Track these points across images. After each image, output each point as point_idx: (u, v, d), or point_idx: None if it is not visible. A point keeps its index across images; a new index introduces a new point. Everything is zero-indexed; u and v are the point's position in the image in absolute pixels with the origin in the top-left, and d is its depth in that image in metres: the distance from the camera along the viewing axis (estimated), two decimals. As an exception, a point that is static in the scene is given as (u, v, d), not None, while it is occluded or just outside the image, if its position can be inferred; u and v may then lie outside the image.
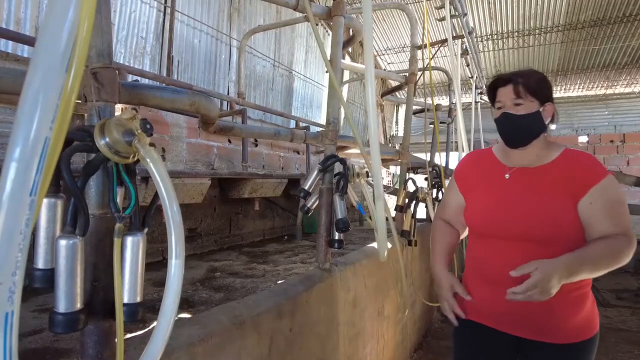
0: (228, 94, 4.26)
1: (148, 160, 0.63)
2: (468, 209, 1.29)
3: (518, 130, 1.16)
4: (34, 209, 0.39)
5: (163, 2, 3.55)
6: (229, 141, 3.86)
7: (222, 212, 3.86)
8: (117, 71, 0.80)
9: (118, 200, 0.69)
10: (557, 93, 10.82)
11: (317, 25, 2.90)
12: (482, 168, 1.29)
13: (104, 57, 0.80)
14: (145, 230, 0.71)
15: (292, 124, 5.37)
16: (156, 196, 0.67)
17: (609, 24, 6.93)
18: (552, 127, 1.24)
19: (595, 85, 10.30)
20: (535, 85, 1.15)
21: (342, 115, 4.22)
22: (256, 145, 4.22)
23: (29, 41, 2.29)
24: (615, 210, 1.08)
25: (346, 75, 5.68)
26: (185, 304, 2.09)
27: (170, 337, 1.06)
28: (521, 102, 1.14)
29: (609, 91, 10.23)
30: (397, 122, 9.72)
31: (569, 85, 10.43)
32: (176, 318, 1.67)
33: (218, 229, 3.82)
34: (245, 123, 3.64)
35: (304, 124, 4.69)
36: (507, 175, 1.21)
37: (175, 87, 3.47)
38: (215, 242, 3.74)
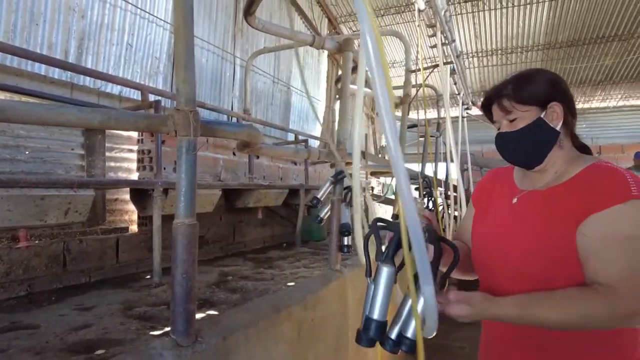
0: (232, 109, 4.51)
1: None
2: (472, 237, 1.10)
3: (520, 150, 0.96)
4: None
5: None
6: (234, 154, 4.09)
7: (227, 221, 4.07)
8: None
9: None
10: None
11: (322, 51, 3.16)
12: (496, 189, 1.08)
13: (191, 102, 1.05)
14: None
15: (290, 136, 5.63)
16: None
17: (584, 44, 7.41)
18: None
19: (574, 100, 10.83)
20: (525, 88, 0.94)
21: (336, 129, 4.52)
22: (257, 158, 4.46)
23: (64, 65, 2.53)
24: (614, 249, 0.79)
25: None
26: (207, 303, 2.31)
27: (231, 321, 1.30)
28: (513, 116, 0.94)
29: (586, 105, 10.78)
30: (386, 134, 10.09)
31: (549, 100, 10.93)
32: (203, 315, 1.88)
33: (223, 237, 4.03)
34: (250, 137, 3.88)
35: (302, 137, 4.96)
36: (514, 200, 0.99)
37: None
38: (220, 249, 3.94)
